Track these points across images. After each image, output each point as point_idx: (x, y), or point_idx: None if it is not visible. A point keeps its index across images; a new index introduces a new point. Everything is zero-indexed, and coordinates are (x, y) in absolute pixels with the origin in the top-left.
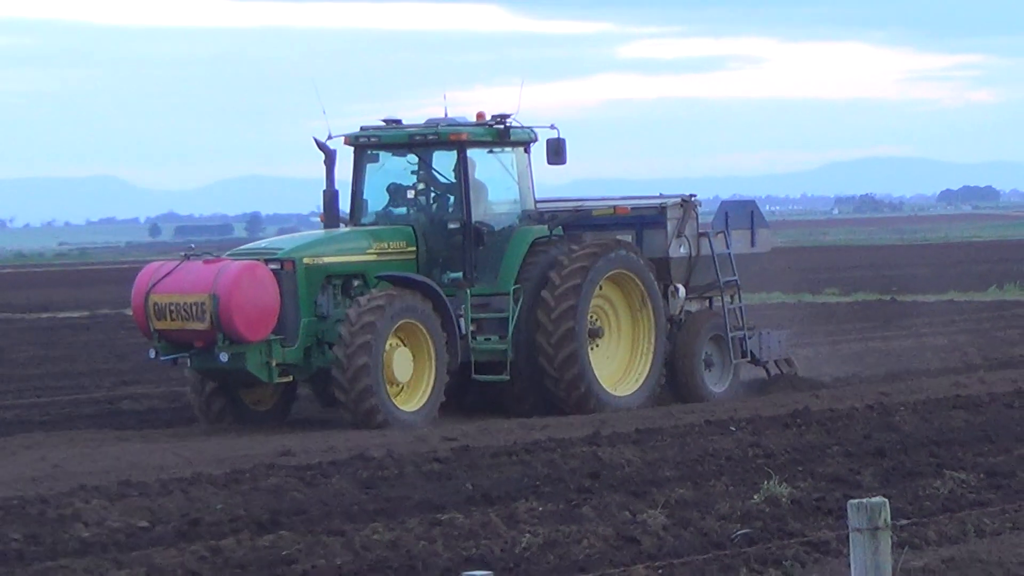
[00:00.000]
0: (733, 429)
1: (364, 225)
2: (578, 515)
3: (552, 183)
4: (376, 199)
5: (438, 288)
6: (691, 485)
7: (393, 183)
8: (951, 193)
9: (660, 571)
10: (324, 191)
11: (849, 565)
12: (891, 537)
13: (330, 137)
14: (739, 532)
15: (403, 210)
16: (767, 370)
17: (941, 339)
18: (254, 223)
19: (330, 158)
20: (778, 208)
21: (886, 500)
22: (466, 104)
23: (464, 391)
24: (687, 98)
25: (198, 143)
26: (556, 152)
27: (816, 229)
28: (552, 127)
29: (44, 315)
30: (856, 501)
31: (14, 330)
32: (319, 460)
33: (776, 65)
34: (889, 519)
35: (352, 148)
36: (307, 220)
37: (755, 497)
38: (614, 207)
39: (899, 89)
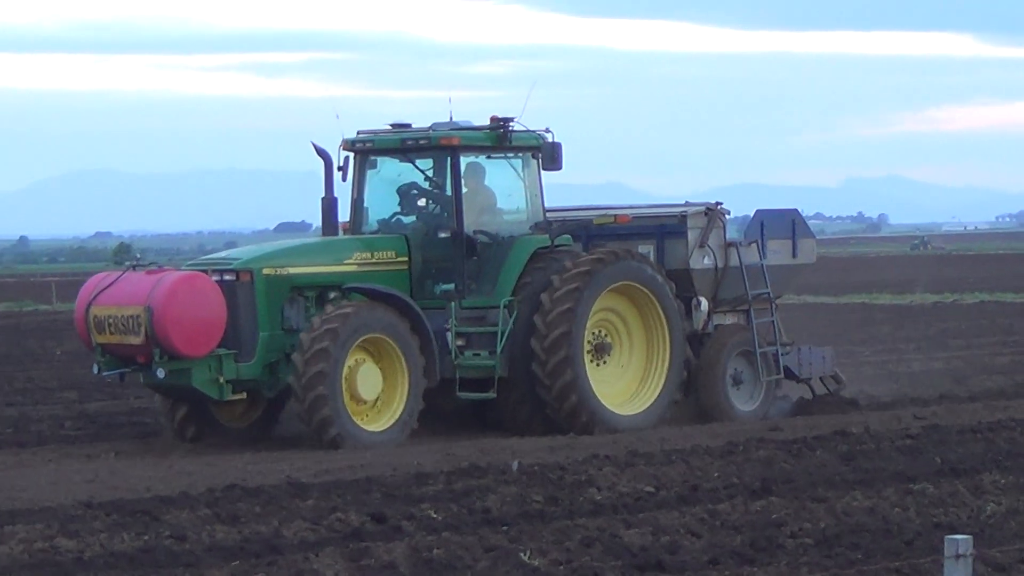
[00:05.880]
0: None
1: (364, 233)
2: None
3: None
4: (375, 206)
5: (411, 301)
6: None
7: (389, 190)
8: None
9: None
10: (322, 198)
11: None
12: None
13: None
14: None
15: (398, 218)
16: (811, 388)
17: None
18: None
19: (328, 164)
20: None
21: None
22: (891, 124)
23: (460, 406)
24: None
25: (699, 152)
26: (551, 157)
27: None
28: (547, 131)
29: None
30: None
31: None
32: (804, 435)
33: None
34: None
35: (352, 153)
36: None
37: None
38: (615, 216)
39: None
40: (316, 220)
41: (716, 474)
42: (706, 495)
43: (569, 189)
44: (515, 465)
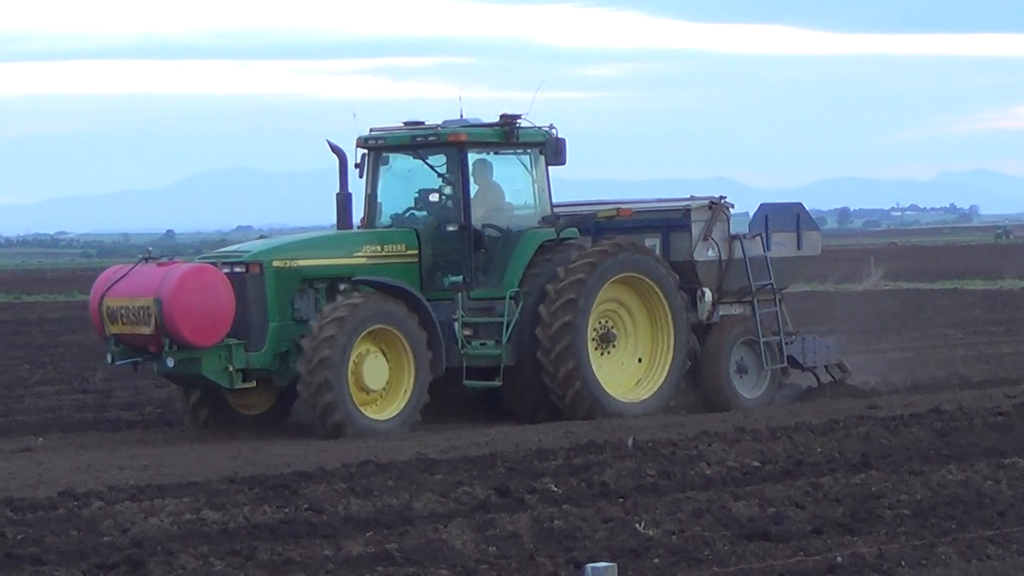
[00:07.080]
0: None
1: (377, 227)
2: None
3: None
4: (388, 201)
5: (418, 293)
6: None
7: (401, 185)
8: None
9: None
10: (337, 194)
11: None
12: None
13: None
14: None
15: (410, 213)
16: (816, 376)
17: None
18: (843, 217)
19: (343, 161)
20: None
21: None
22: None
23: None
24: None
25: (801, 148)
26: (555, 152)
27: None
28: (551, 127)
29: None
30: None
31: None
32: (900, 412)
33: None
34: None
35: (365, 150)
36: (888, 215)
37: None
38: (617, 210)
39: None
40: None
41: (819, 449)
42: (809, 469)
43: (679, 183)
44: (630, 441)
